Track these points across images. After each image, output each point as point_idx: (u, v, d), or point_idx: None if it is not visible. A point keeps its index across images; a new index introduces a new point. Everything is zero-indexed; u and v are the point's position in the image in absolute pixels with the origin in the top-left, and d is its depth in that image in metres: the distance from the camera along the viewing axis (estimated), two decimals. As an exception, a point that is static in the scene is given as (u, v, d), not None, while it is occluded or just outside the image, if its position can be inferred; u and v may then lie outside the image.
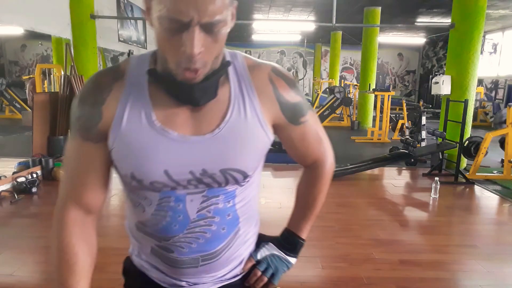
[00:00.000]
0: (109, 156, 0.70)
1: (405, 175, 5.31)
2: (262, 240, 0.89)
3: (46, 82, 7.55)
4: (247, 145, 0.71)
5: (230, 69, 0.73)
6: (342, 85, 12.00)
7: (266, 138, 0.74)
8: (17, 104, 9.88)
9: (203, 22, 0.57)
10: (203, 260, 0.76)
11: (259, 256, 0.86)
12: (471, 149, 5.14)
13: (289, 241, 0.90)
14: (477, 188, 4.57)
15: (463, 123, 4.78)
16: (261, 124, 0.72)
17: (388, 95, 8.03)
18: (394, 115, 8.63)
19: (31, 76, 9.68)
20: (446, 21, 9.99)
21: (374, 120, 8.99)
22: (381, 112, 8.24)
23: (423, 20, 10.98)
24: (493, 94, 12.18)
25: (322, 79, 15.66)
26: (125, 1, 7.30)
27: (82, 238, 0.73)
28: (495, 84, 12.11)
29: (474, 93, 5.42)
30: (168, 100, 0.68)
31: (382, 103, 7.97)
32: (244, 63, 0.75)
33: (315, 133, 0.82)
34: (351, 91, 11.15)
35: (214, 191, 0.72)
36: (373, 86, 9.04)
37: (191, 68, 0.61)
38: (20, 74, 12.50)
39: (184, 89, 0.65)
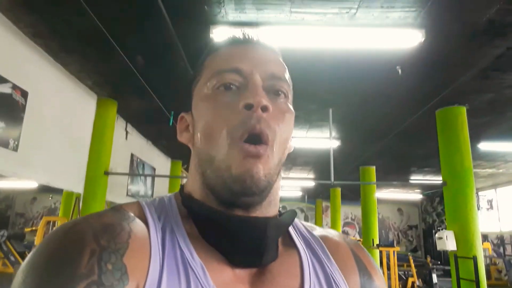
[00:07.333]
0: None
1: None
2: None
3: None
4: None
5: (291, 230, 0.53)
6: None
7: None
8: (12, 257, 9.55)
9: (265, 77, 0.46)
10: None
11: None
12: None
13: None
14: None
15: (477, 281, 4.54)
16: None
17: (393, 251, 7.83)
18: (403, 272, 8.24)
19: (33, 228, 9.70)
20: (438, 178, 10.52)
21: (382, 277, 8.52)
22: (388, 269, 7.89)
23: (416, 177, 11.57)
24: (501, 249, 11.87)
25: (325, 233, 15.48)
26: (138, 160, 7.93)
27: None
28: (501, 239, 11.92)
29: (481, 249, 5.30)
30: (217, 258, 0.44)
31: (388, 259, 7.72)
32: (302, 224, 0.57)
33: None
34: (355, 246, 10.90)
35: None
36: (376, 241, 8.91)
37: (256, 129, 0.42)
38: (24, 226, 12.53)
39: (245, 225, 0.44)
